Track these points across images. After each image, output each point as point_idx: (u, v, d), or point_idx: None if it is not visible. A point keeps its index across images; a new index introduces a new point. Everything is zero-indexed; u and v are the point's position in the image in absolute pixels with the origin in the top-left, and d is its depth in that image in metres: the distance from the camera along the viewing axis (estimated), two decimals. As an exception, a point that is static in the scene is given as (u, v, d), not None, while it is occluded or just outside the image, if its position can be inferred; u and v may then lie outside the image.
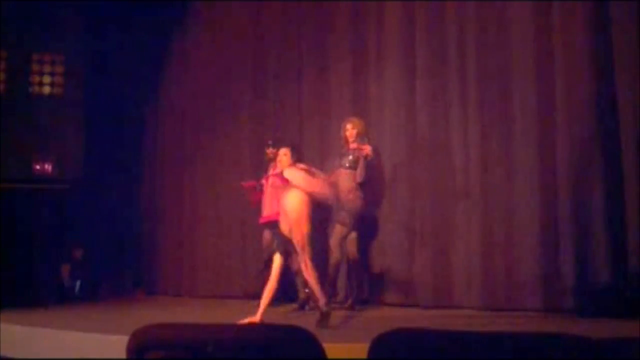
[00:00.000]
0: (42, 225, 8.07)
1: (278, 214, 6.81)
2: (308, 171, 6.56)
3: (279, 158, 6.88)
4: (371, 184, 6.80)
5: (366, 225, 6.82)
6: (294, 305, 6.75)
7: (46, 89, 8.20)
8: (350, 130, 6.63)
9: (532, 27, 6.13)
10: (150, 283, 8.79)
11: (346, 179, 6.56)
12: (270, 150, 7.11)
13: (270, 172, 7.04)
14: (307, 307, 6.67)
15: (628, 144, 5.53)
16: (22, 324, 5.41)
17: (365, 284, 6.83)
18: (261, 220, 7.02)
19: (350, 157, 6.56)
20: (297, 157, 6.92)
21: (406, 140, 6.85)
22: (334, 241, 6.52)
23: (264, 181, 7.09)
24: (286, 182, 6.84)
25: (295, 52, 7.85)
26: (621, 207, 5.54)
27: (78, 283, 8.34)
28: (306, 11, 7.83)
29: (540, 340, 2.03)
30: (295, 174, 6.32)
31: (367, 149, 6.48)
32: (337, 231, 6.53)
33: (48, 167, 8.09)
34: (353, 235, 6.60)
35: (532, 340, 2.04)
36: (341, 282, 6.90)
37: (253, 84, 8.14)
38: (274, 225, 6.88)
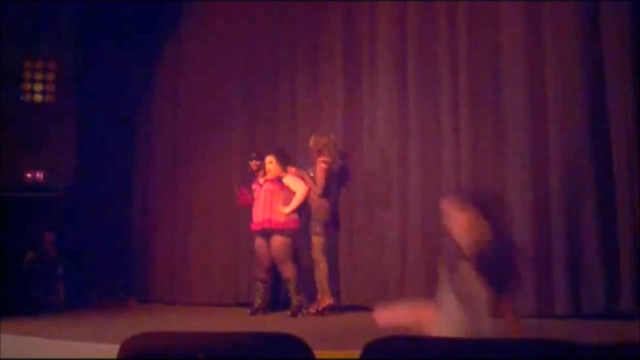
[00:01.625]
0: (33, 234, 8.04)
1: (270, 220, 6.84)
2: (302, 178, 6.91)
3: (266, 166, 6.99)
4: (363, 190, 6.89)
5: (357, 230, 6.87)
6: (287, 313, 6.75)
7: (38, 97, 8.18)
8: (310, 143, 6.94)
9: (523, 34, 6.14)
10: (142, 291, 8.76)
11: (312, 190, 6.87)
12: (254, 163, 7.20)
13: (261, 180, 7.05)
14: (300, 315, 6.67)
15: (619, 146, 5.55)
16: (13, 333, 5.38)
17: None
18: (254, 227, 7.00)
19: (311, 169, 6.91)
20: (284, 161, 7.02)
21: (398, 144, 6.86)
22: (315, 253, 6.75)
23: (254, 187, 7.09)
24: (282, 188, 6.91)
25: (288, 55, 7.85)
26: (613, 212, 5.56)
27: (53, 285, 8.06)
28: (300, 15, 7.84)
29: (533, 346, 2.03)
30: (291, 179, 6.90)
31: (320, 162, 6.79)
32: (315, 243, 6.79)
33: (40, 175, 8.07)
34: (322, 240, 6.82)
35: (525, 347, 2.04)
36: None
37: (245, 90, 8.13)
38: (267, 232, 6.88)
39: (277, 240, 6.82)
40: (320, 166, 6.81)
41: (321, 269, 6.72)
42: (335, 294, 6.85)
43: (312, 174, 6.88)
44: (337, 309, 6.75)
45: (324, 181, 6.80)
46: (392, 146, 6.90)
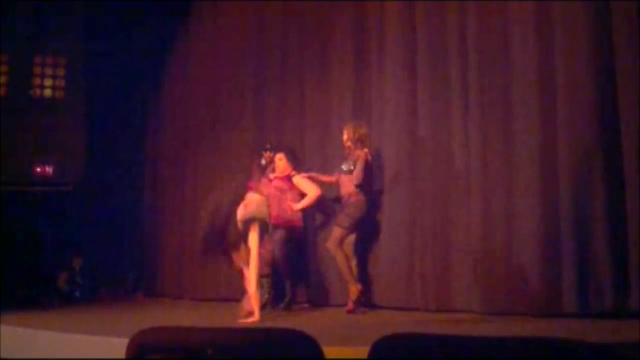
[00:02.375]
0: (43, 228, 8.10)
1: (280, 217, 6.85)
2: (312, 178, 6.94)
3: (276, 163, 7.01)
4: (372, 187, 6.85)
5: (366, 228, 6.84)
6: (281, 305, 6.86)
7: (48, 92, 8.21)
8: (345, 135, 6.72)
9: (533, 32, 6.11)
10: (151, 285, 8.79)
11: (347, 183, 6.67)
12: (268, 155, 7.18)
13: (271, 175, 7.07)
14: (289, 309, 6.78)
15: (629, 146, 5.53)
16: (22, 326, 5.41)
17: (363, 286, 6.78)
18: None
19: (349, 161, 6.67)
20: (294, 161, 7.03)
21: (407, 143, 6.85)
22: (331, 244, 6.58)
23: (265, 180, 7.10)
24: (292, 187, 6.92)
25: (296, 54, 7.86)
26: (623, 209, 5.54)
27: (77, 292, 8.40)
28: (308, 14, 7.83)
29: (541, 345, 2.03)
30: (302, 181, 6.91)
31: (361, 153, 6.58)
32: (334, 233, 6.61)
33: (49, 169, 8.10)
34: (351, 237, 6.67)
35: (533, 345, 2.03)
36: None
37: (254, 87, 8.14)
38: (277, 228, 6.90)
39: (278, 235, 6.84)
40: (365, 157, 6.58)
41: (338, 260, 6.51)
42: (362, 283, 6.64)
43: (347, 167, 6.67)
44: (366, 305, 6.58)
45: (364, 173, 6.59)
46: (401, 144, 6.89)
